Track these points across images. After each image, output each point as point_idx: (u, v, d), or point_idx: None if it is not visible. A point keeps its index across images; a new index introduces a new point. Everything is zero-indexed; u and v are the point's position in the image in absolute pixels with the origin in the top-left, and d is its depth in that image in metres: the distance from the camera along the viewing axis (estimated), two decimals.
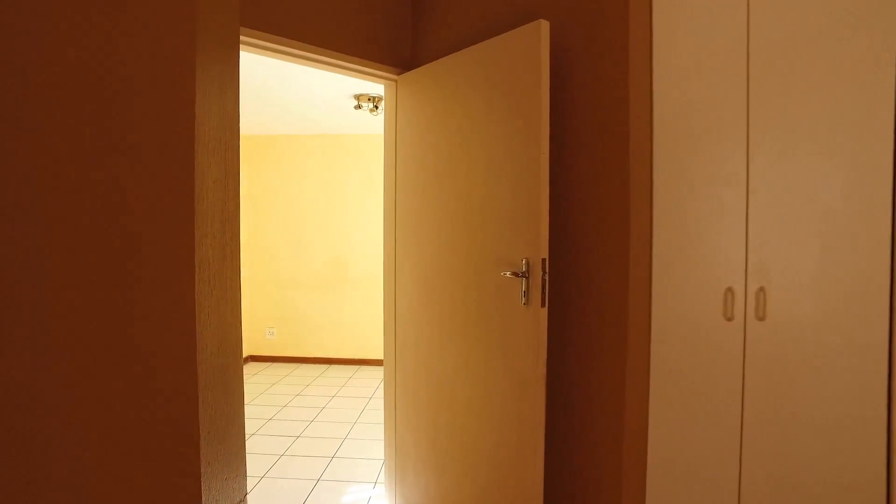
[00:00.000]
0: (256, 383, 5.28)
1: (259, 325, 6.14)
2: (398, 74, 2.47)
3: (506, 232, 1.93)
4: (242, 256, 6.00)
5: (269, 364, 6.07)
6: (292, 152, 6.06)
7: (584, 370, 1.91)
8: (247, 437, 3.84)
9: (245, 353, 6.06)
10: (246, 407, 4.53)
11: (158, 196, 1.34)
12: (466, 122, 2.08)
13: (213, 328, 1.53)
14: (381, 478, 3.14)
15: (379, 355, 6.07)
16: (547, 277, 1.81)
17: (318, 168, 6.04)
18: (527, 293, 1.84)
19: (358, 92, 4.33)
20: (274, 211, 6.09)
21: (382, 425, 3.96)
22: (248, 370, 5.79)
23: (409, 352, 2.41)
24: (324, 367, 6.01)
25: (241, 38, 2.04)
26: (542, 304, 1.80)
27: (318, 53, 2.23)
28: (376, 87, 4.24)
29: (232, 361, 1.65)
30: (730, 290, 1.78)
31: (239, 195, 1.73)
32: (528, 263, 1.84)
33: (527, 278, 1.84)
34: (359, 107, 4.45)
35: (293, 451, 3.64)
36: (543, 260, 1.80)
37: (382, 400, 4.60)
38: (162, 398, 1.35)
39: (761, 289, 1.75)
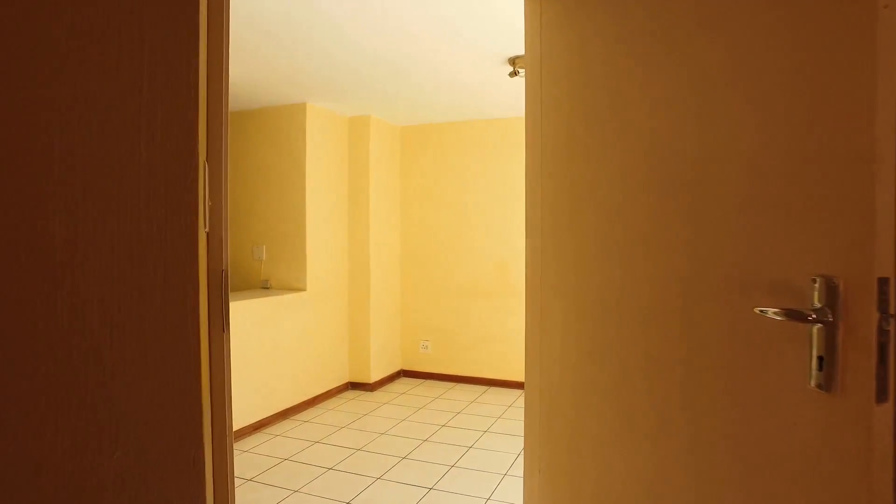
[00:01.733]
0: (401, 405, 4.64)
1: (413, 337, 5.55)
2: None
3: (759, 219, 0.86)
4: (395, 259, 5.46)
5: (421, 381, 5.43)
6: (446, 143, 5.36)
7: None
8: (369, 482, 3.15)
9: (397, 367, 5.50)
10: (380, 437, 3.88)
11: None
12: (645, 21, 1.04)
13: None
14: None
15: None
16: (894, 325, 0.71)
17: (476, 159, 5.25)
18: (828, 360, 0.75)
19: (512, 53, 3.42)
20: (428, 210, 5.45)
21: None
22: (397, 388, 5.20)
23: (559, 425, 1.41)
24: (481, 388, 5.19)
25: None
26: (882, 397, 0.70)
27: None
28: None
29: None
30: None
31: (221, 176, 0.94)
32: (827, 289, 0.75)
33: (827, 324, 0.75)
34: (514, 73, 3.54)
35: None
36: (883, 283, 0.70)
37: None
38: None
39: None
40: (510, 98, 4.40)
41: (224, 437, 1.24)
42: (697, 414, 0.97)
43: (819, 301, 0.77)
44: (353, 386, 5.12)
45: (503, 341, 5.18)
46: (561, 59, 1.41)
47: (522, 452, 3.51)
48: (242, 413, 3.82)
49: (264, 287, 4.63)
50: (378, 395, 4.97)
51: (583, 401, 1.30)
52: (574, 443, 1.35)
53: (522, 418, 4.23)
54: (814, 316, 0.76)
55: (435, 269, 5.43)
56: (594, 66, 1.26)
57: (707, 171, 0.95)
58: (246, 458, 3.47)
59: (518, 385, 5.13)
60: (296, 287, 4.54)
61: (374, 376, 5.11)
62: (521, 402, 4.74)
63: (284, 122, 4.57)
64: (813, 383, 0.77)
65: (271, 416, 4.09)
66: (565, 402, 1.41)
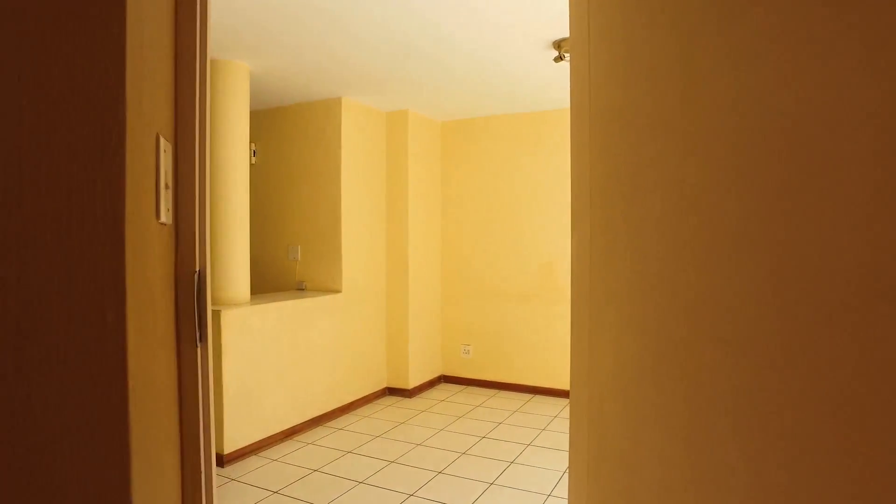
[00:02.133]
0: (440, 413, 4.41)
1: (454, 341, 5.31)
2: None
3: None
4: (435, 260, 5.23)
5: (462, 388, 5.19)
6: (488, 138, 5.10)
7: None
8: (401, 500, 2.92)
9: (437, 373, 5.28)
10: (416, 448, 3.66)
11: None
12: None
13: None
14: None
15: None
16: None
17: (520, 155, 4.97)
18: None
19: (557, 36, 3.13)
20: (470, 208, 5.20)
21: None
22: (436, 394, 4.97)
23: (612, 465, 1.14)
24: (526, 396, 4.91)
25: None
26: None
27: None
28: None
29: None
30: None
31: (194, 159, 0.72)
32: None
33: None
34: (559, 58, 3.25)
35: None
36: None
37: None
38: None
39: None
40: (554, 88, 4.11)
41: (198, 472, 1.03)
42: (819, 474, 0.68)
43: None
44: (391, 392, 4.93)
45: (549, 347, 4.88)
46: (616, 26, 1.13)
47: (566, 476, 3.22)
48: (273, 420, 3.68)
49: (300, 288, 4.50)
50: (416, 401, 4.76)
51: (642, 436, 1.03)
52: (631, 488, 1.07)
53: (567, 430, 3.93)
54: None
55: (477, 270, 5.18)
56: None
57: (854, 125, 0.66)
58: (274, 468, 3.32)
59: (565, 394, 4.81)
60: (331, 288, 4.39)
61: (413, 382, 4.90)
62: (567, 412, 4.43)
63: (319, 117, 4.42)
64: None
65: (303, 423, 3.93)
66: (619, 434, 1.13)
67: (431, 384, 5.18)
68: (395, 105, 4.67)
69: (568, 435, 3.63)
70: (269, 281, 4.66)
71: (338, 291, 4.35)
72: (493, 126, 5.06)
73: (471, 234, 5.20)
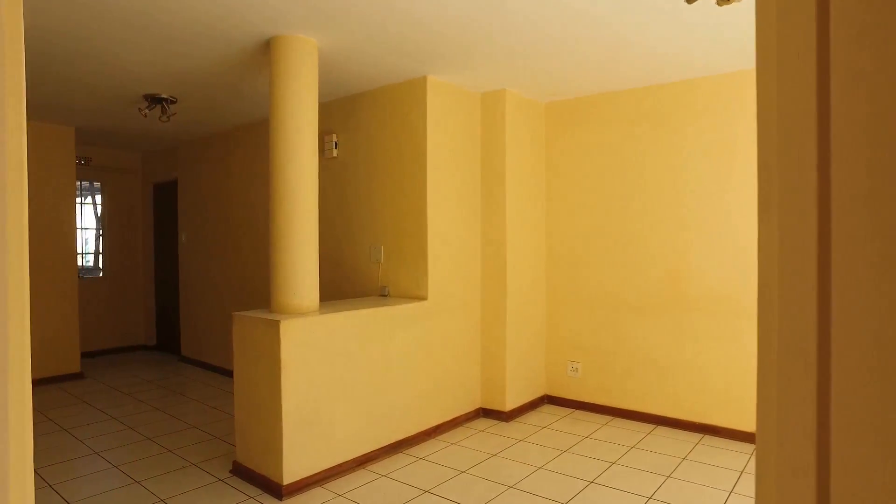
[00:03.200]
0: (540, 445, 3.72)
1: (559, 357, 4.58)
2: None
3: None
4: (538, 262, 4.53)
5: (568, 412, 4.44)
6: (601, 119, 4.30)
7: None
8: None
9: (540, 392, 4.58)
10: (507, 492, 3.00)
11: None
12: None
13: None
14: None
15: (739, 423, 3.79)
16: None
17: (641, 139, 4.12)
18: None
19: None
20: (579, 203, 4.44)
21: None
22: (538, 419, 4.27)
23: None
24: (645, 427, 4.07)
25: None
26: None
27: None
28: None
29: None
30: None
31: None
32: None
33: None
34: None
35: None
36: None
37: None
38: None
39: None
40: (682, 48, 3.25)
41: None
42: None
43: None
44: (485, 413, 4.32)
45: (677, 369, 4.00)
46: None
47: None
48: (342, 446, 3.21)
49: (383, 294, 4.03)
50: (514, 427, 4.10)
51: None
52: None
53: (700, 480, 3.05)
54: None
55: (588, 274, 4.40)
56: None
57: None
58: None
59: (698, 427, 3.91)
60: (416, 295, 3.87)
61: (511, 403, 4.25)
62: (699, 453, 3.54)
63: (402, 101, 3.92)
64: None
65: (379, 449, 3.44)
66: None
67: (532, 406, 4.49)
68: (489, 84, 4.05)
69: (700, 486, 2.72)
70: (352, 286, 4.25)
71: (423, 298, 3.82)
72: (605, 105, 4.26)
73: (581, 233, 4.44)
